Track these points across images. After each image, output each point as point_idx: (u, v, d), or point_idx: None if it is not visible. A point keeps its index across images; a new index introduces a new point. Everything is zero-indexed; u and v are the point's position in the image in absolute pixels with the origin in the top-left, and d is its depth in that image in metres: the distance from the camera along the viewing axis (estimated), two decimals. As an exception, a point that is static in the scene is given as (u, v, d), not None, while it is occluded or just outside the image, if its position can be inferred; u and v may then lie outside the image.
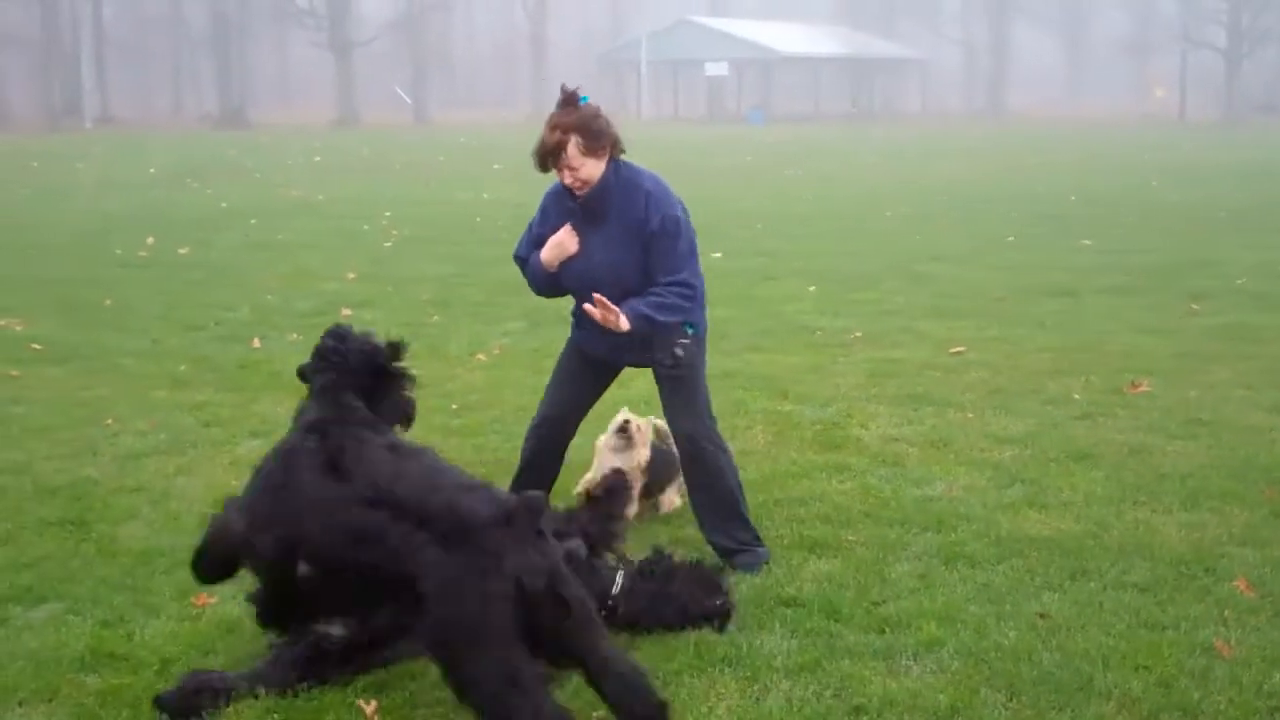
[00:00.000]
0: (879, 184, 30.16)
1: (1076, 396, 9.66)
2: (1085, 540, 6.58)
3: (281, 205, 25.74)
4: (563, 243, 6.28)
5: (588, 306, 6.13)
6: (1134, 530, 6.75)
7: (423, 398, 9.79)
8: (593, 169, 6.10)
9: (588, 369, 6.68)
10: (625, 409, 7.21)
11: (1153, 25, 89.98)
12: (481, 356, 11.35)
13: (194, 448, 8.46)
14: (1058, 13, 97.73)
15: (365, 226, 21.77)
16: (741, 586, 5.95)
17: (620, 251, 6.20)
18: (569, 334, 6.74)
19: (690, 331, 6.35)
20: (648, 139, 54.06)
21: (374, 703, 4.86)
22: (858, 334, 12.18)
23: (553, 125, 6.06)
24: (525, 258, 6.52)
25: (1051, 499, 7.27)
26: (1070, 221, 21.70)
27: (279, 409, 9.51)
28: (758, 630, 5.49)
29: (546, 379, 10.24)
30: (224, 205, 25.70)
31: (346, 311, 13.47)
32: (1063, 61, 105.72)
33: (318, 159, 40.95)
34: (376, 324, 12.80)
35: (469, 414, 9.31)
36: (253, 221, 22.62)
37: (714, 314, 13.24)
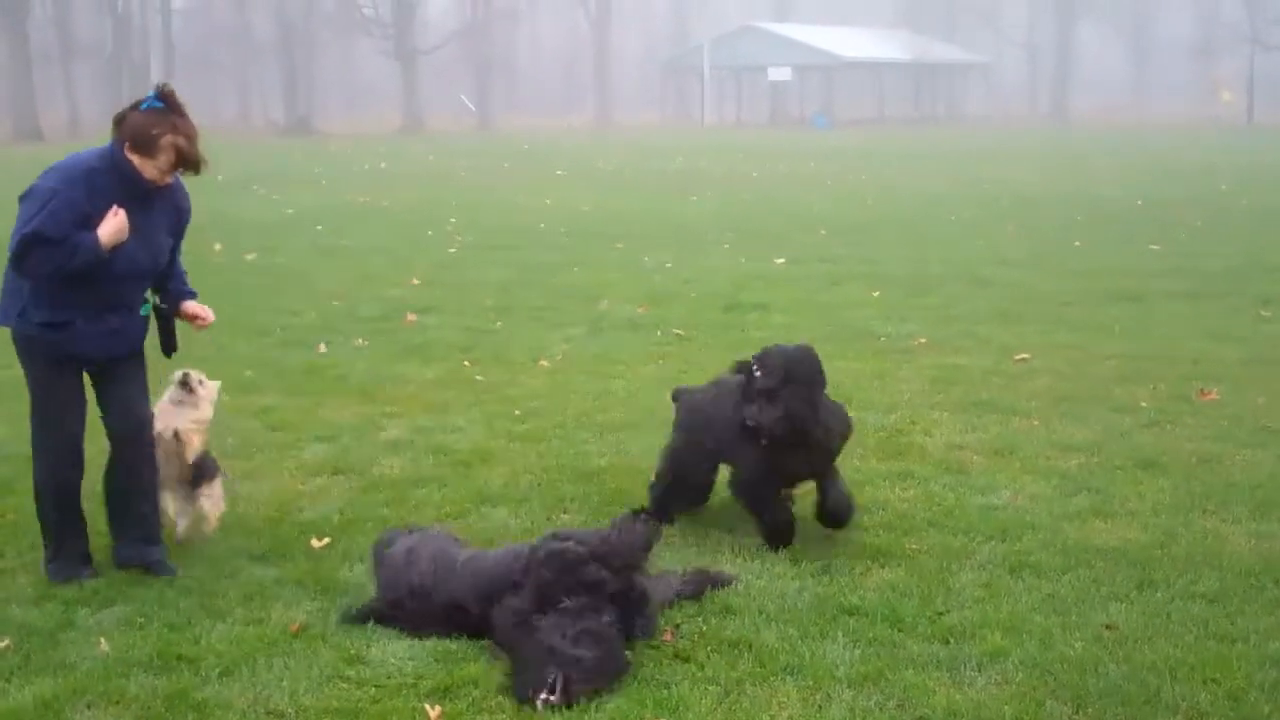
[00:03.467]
0: (942, 188, 29.98)
1: (1144, 404, 9.56)
2: (1153, 550, 6.51)
3: (347, 211, 25.92)
4: (123, 227, 6.14)
5: (199, 315, 6.61)
6: (1202, 540, 6.67)
7: (486, 403, 9.91)
8: None
9: (73, 378, 6.46)
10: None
11: (1219, 28, 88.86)
12: (544, 362, 11.37)
13: (260, 452, 8.52)
14: (1122, 15, 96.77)
15: (430, 232, 21.88)
16: (805, 595, 5.94)
17: (162, 236, 6.41)
18: (35, 347, 6.33)
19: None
20: (710, 145, 54.05)
21: (438, 708, 4.89)
22: (921, 340, 12.11)
23: (192, 133, 6.18)
24: (64, 237, 6.00)
25: (1118, 508, 7.20)
26: (1137, 226, 21.48)
27: (344, 413, 9.60)
28: (820, 639, 5.46)
29: (609, 384, 10.39)
30: (290, 211, 25.93)
31: (411, 317, 13.56)
32: (1127, 65, 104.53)
33: (383, 165, 41.23)
34: (441, 329, 12.95)
35: (532, 419, 9.32)
36: (319, 227, 22.80)
37: (776, 320, 13.38)
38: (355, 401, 10.00)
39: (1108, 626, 5.57)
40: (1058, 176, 33.47)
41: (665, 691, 5.01)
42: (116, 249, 6.11)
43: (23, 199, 6.14)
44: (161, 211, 6.37)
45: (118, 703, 5.04)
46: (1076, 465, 8.04)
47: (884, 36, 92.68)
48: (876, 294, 14.89)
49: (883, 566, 6.33)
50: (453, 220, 23.71)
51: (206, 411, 6.89)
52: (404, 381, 10.69)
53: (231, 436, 8.98)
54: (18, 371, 6.34)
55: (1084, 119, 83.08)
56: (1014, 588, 6.05)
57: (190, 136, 6.16)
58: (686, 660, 5.30)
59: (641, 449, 8.46)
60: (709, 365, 11.10)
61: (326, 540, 6.74)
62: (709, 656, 5.32)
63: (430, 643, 5.50)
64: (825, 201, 27.25)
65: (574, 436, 8.88)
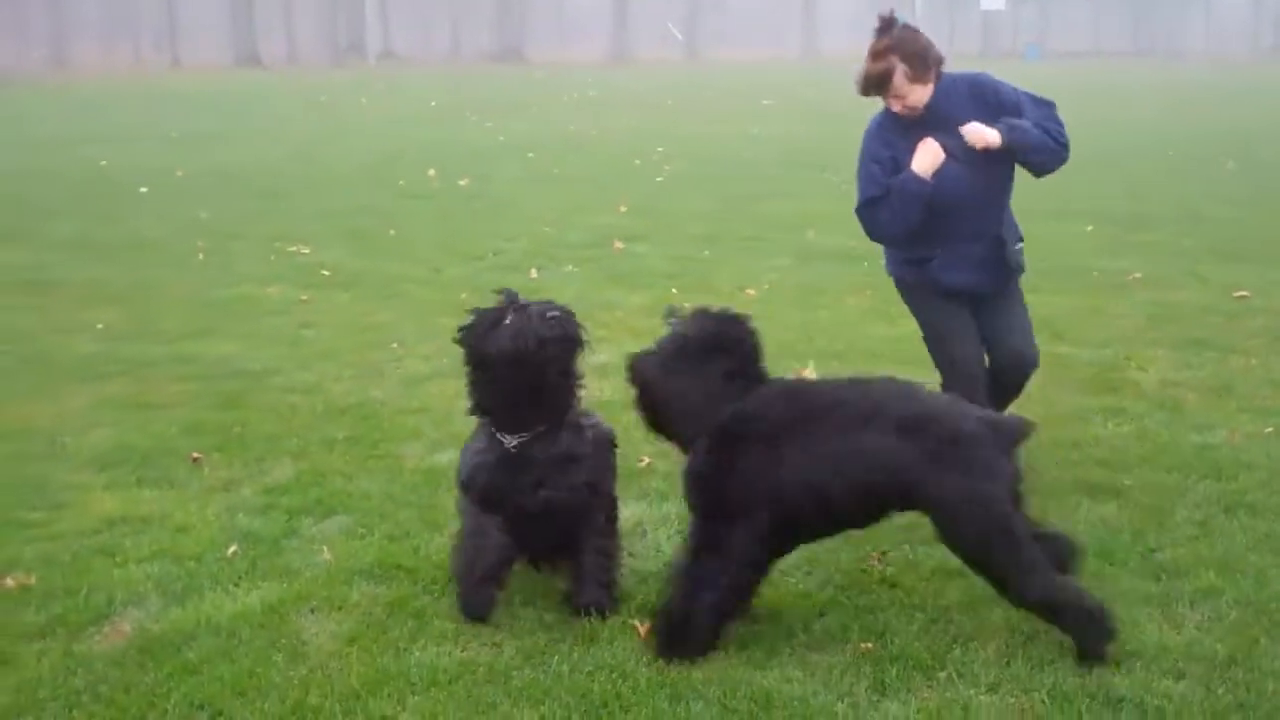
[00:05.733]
0: (1159, 123, 29.04)
1: (1371, 346, 9.22)
2: (1377, 494, 6.32)
3: (557, 139, 26.20)
4: (934, 150, 6.04)
5: (968, 130, 6.04)
6: None
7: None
8: (920, 94, 6.03)
9: (960, 309, 6.43)
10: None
11: None
12: (751, 291, 11.40)
13: (473, 372, 8.72)
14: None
15: (637, 161, 22.00)
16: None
17: (980, 152, 6.10)
18: (909, 288, 6.53)
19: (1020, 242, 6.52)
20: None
21: (647, 624, 4.99)
22: (1136, 275, 11.83)
23: (876, 53, 5.98)
24: (885, 190, 6.12)
25: (1341, 451, 6.98)
26: (1369, 163, 20.53)
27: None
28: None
29: (815, 315, 10.38)
30: (501, 139, 26.31)
31: (619, 244, 13.72)
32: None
33: (591, 94, 41.47)
34: (648, 257, 13.08)
35: (738, 348, 9.37)
36: (530, 155, 23.10)
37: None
38: (566, 326, 10.16)
39: (1328, 569, 5.44)
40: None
41: (871, 617, 5.05)
42: (938, 173, 6.07)
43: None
44: (963, 124, 6.11)
45: (340, 608, 5.24)
46: (1297, 406, 7.81)
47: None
48: (1090, 228, 14.55)
49: (1094, 501, 6.25)
50: (660, 150, 23.80)
51: None
52: (612, 307, 10.84)
53: (447, 357, 9.21)
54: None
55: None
56: (1229, 527, 5.92)
57: (873, 54, 6.01)
58: (893, 586, 5.32)
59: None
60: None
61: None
62: (916, 584, 5.34)
63: (637, 564, 5.64)
64: (1038, 134, 26.56)
65: (781, 366, 8.84)
